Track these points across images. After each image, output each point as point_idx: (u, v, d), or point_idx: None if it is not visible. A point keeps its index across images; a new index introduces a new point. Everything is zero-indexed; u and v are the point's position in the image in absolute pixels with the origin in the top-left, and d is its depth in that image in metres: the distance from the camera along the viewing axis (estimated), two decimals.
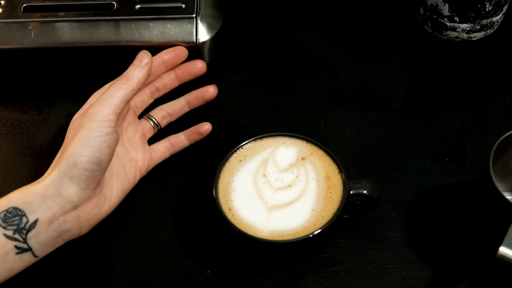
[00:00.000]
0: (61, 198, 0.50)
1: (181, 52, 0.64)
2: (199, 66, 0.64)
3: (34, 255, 0.51)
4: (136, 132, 0.61)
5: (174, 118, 0.64)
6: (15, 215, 0.49)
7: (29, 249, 0.50)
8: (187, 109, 0.65)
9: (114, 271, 0.56)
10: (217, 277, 0.56)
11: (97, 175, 0.51)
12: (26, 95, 0.69)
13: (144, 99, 0.63)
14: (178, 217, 0.60)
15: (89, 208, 0.52)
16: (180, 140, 0.63)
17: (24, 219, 0.49)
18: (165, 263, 0.57)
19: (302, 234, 0.52)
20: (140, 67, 0.55)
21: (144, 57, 0.55)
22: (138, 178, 0.59)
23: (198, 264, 0.57)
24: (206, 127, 0.63)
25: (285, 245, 0.52)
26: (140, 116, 0.63)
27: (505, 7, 0.71)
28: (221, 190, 0.55)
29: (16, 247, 0.49)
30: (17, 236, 0.49)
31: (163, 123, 0.64)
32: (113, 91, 0.53)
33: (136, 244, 0.58)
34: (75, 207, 0.51)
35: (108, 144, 0.51)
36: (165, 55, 0.63)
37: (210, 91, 0.64)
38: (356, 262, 0.56)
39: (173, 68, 0.64)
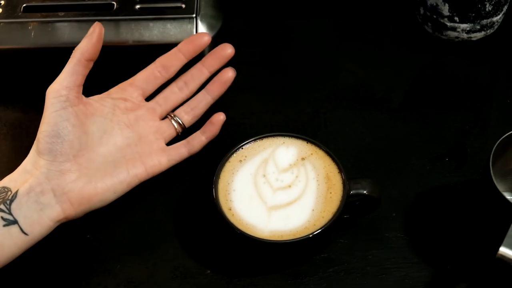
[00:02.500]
0: (35, 170, 0.54)
1: (195, 38, 0.62)
2: (228, 51, 0.62)
3: (22, 231, 0.52)
4: (151, 128, 0.60)
5: (197, 112, 0.62)
6: (1, 192, 0.53)
7: (15, 221, 0.52)
8: (209, 99, 0.62)
9: (114, 271, 0.56)
10: (217, 277, 0.56)
11: (60, 147, 0.54)
12: (26, 95, 0.69)
13: (166, 95, 0.62)
14: (178, 217, 0.60)
15: (65, 182, 0.54)
16: (195, 136, 0.61)
17: (9, 193, 0.53)
18: (165, 263, 0.57)
19: (302, 234, 0.52)
20: (84, 38, 0.56)
21: (91, 29, 0.56)
22: (143, 173, 0.58)
23: (198, 264, 0.57)
24: (220, 117, 0.61)
25: (285, 245, 0.52)
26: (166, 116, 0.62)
27: (505, 7, 0.71)
28: (221, 190, 0.55)
29: (2, 218, 0.52)
30: (2, 207, 0.52)
31: (187, 120, 0.62)
32: (64, 69, 0.56)
33: (136, 244, 0.58)
34: (48, 178, 0.54)
35: (64, 118, 0.54)
36: (180, 44, 0.62)
37: (228, 74, 0.62)
38: (356, 262, 0.56)
39: (192, 57, 0.62)
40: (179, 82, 0.62)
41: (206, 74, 0.63)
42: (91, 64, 0.56)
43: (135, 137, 0.59)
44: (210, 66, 0.62)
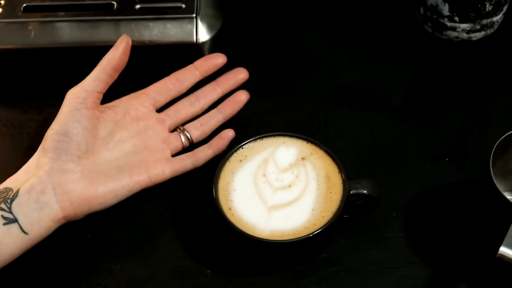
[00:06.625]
0: (37, 169, 0.55)
1: (211, 57, 0.64)
2: (242, 76, 0.64)
3: (22, 230, 0.52)
4: (159, 138, 0.61)
5: (207, 128, 0.63)
6: (3, 192, 0.54)
7: (15, 219, 0.52)
8: (220, 117, 0.63)
9: (114, 271, 0.56)
10: (217, 277, 0.56)
11: (66, 147, 0.55)
12: (26, 95, 0.70)
13: (177, 108, 0.63)
14: (178, 217, 0.60)
15: (66, 181, 0.54)
16: (202, 148, 0.61)
17: (10, 192, 0.53)
18: (165, 263, 0.57)
19: (302, 234, 0.52)
20: (112, 48, 0.58)
21: (119, 40, 0.58)
22: (146, 180, 0.58)
23: (198, 264, 0.57)
24: (229, 133, 0.62)
25: (285, 245, 0.52)
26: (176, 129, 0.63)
27: (505, 7, 0.71)
28: (221, 190, 0.55)
29: (3, 217, 0.52)
30: (3, 206, 0.52)
31: (195, 135, 0.62)
32: (88, 75, 0.58)
33: (136, 244, 0.58)
34: (50, 176, 0.54)
35: (75, 118, 0.55)
36: (196, 61, 0.64)
37: (241, 96, 0.64)
38: (356, 262, 0.56)
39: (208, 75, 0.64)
40: (192, 97, 0.64)
41: (218, 93, 0.64)
42: (116, 74, 0.58)
43: (142, 145, 0.60)
44: (223, 86, 0.64)
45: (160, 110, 0.63)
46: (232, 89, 0.64)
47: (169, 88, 0.63)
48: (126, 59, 0.58)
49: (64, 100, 0.57)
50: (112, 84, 0.61)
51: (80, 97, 0.56)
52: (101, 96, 0.58)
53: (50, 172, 0.54)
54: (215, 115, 0.63)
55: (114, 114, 0.59)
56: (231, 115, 0.64)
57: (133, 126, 0.60)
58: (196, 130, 0.63)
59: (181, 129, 0.62)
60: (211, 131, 0.63)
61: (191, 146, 0.62)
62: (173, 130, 0.63)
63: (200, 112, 0.64)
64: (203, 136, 0.63)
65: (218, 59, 0.64)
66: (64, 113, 0.56)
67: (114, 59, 0.58)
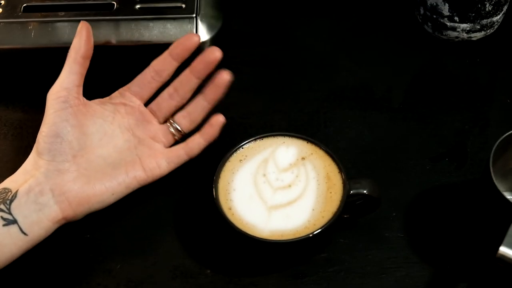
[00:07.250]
0: (35, 171, 0.55)
1: (184, 40, 0.60)
2: (215, 55, 0.59)
3: (22, 231, 0.53)
4: (150, 132, 0.60)
5: (194, 117, 0.61)
6: (2, 193, 0.54)
7: (14, 220, 0.52)
8: (205, 104, 0.60)
9: (114, 271, 0.56)
10: (217, 277, 0.56)
11: (59, 147, 0.55)
12: (26, 95, 0.70)
13: (158, 101, 0.61)
14: (178, 217, 0.60)
15: (63, 182, 0.55)
16: (194, 138, 0.60)
17: (9, 193, 0.54)
18: (165, 263, 0.57)
19: (302, 234, 0.52)
20: (75, 37, 0.58)
21: (78, 28, 0.58)
22: (142, 176, 0.58)
23: (198, 264, 0.57)
24: (219, 118, 0.60)
25: (285, 245, 0.52)
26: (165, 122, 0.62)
27: (505, 7, 0.71)
28: (221, 189, 0.55)
29: (2, 218, 0.52)
30: (2, 207, 0.53)
31: (184, 126, 0.61)
32: (62, 71, 0.57)
33: (136, 244, 0.58)
34: (47, 178, 0.54)
35: (63, 118, 0.55)
36: (171, 47, 0.60)
37: (223, 77, 0.59)
38: (356, 262, 0.56)
39: (183, 60, 0.60)
40: (170, 88, 0.61)
41: (194, 81, 0.60)
42: (87, 63, 0.58)
43: (134, 140, 0.60)
44: (197, 72, 0.60)
45: (147, 103, 0.62)
46: (208, 73, 0.60)
47: (150, 80, 0.60)
48: (92, 44, 0.58)
49: (47, 101, 0.56)
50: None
51: (62, 96, 0.56)
52: (80, 89, 0.57)
53: (47, 173, 0.54)
54: (201, 102, 0.60)
55: (103, 111, 0.59)
56: (217, 100, 0.60)
57: (124, 122, 0.60)
58: (184, 120, 0.61)
59: (171, 121, 0.61)
60: (200, 118, 0.61)
61: (185, 136, 0.61)
62: (164, 122, 0.61)
63: (183, 102, 0.61)
64: (193, 124, 0.61)
65: (192, 40, 0.60)
66: (50, 114, 0.56)
67: (80, 47, 0.57)
